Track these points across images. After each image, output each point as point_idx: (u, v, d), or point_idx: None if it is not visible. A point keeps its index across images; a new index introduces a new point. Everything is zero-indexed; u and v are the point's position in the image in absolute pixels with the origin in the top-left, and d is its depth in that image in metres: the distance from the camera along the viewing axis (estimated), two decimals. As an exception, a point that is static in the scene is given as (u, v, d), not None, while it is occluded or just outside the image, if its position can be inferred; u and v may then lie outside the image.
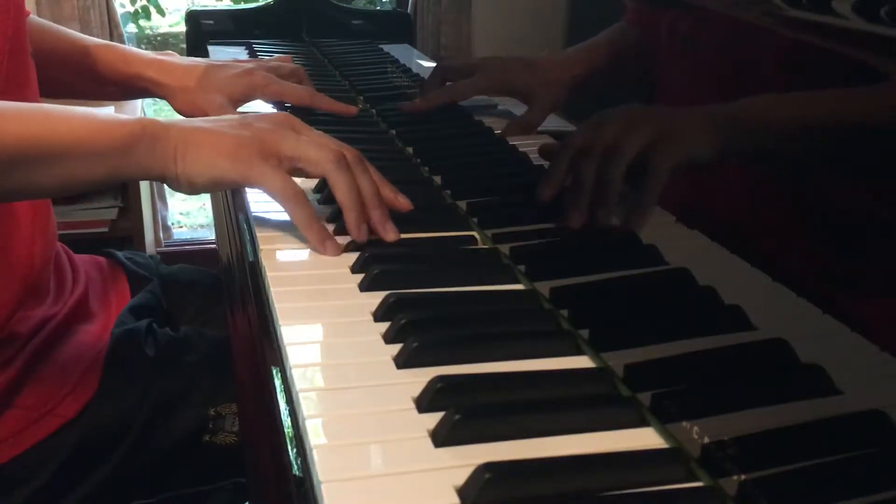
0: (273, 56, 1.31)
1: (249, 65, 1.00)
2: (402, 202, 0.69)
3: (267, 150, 0.66)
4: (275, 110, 0.73)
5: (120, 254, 1.03)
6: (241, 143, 0.66)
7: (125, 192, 2.15)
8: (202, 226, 3.03)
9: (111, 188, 2.15)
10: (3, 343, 0.78)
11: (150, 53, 1.00)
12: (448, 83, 1.01)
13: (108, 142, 0.65)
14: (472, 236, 0.69)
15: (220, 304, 1.01)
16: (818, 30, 0.50)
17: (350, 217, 0.66)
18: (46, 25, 0.97)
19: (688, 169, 0.67)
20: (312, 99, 0.96)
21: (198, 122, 0.69)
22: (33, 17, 0.90)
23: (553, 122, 0.93)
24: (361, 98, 1.10)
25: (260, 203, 0.74)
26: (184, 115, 0.97)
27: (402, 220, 0.68)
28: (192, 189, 0.67)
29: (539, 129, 0.94)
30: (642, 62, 0.79)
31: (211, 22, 1.49)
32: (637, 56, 0.80)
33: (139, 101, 2.19)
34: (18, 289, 0.81)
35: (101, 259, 1.01)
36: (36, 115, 0.66)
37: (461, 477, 0.40)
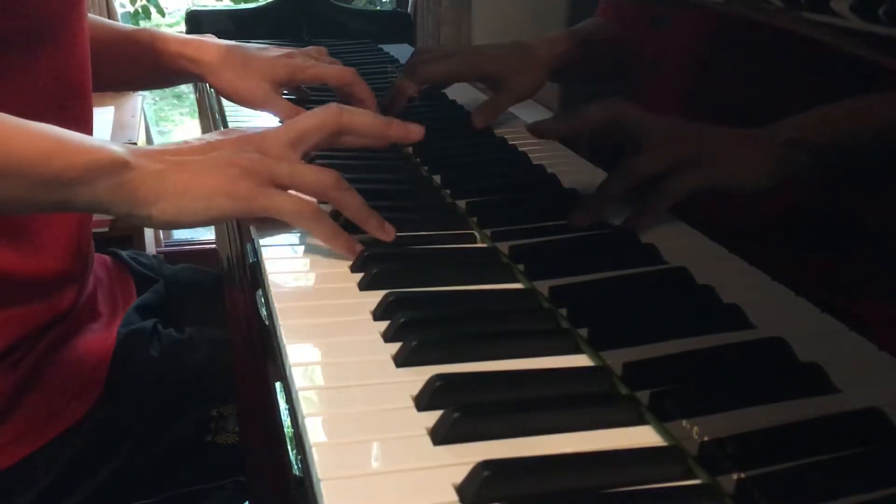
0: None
1: (290, 50, 0.98)
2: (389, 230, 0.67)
3: (262, 179, 0.63)
4: (246, 133, 0.68)
5: (124, 253, 1.04)
6: (233, 177, 0.62)
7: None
8: (202, 226, 3.03)
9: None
10: (14, 345, 0.78)
11: (184, 35, 0.99)
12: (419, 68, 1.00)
13: (61, 168, 0.59)
14: (472, 234, 0.70)
15: (221, 304, 1.01)
16: (816, 29, 0.50)
17: (372, 225, 0.65)
18: (89, 18, 0.97)
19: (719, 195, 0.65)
20: (353, 79, 0.92)
21: (170, 157, 0.63)
22: None
23: (537, 114, 0.93)
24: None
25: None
26: (224, 96, 0.95)
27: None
28: (173, 227, 0.64)
29: (533, 126, 0.93)
30: (619, 57, 0.79)
31: (211, 22, 1.49)
32: (612, 50, 0.80)
33: (139, 101, 2.19)
34: (60, 301, 0.81)
35: (107, 258, 1.01)
36: None
37: (460, 475, 0.40)
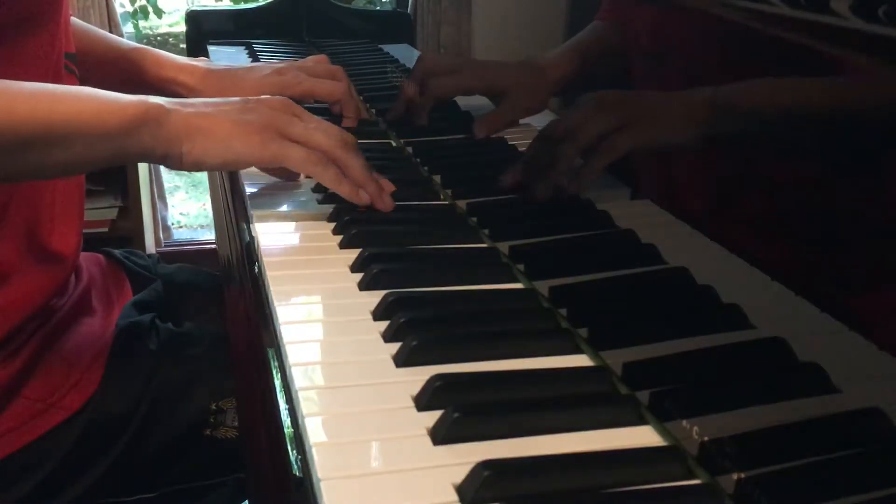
0: (275, 56, 1.32)
1: (281, 65, 0.99)
2: (387, 201, 0.72)
3: (276, 131, 0.69)
4: (277, 97, 0.74)
5: (117, 252, 1.04)
6: (251, 126, 0.68)
7: (125, 192, 2.15)
8: (202, 226, 3.04)
9: (112, 188, 2.16)
10: (10, 335, 0.78)
11: (181, 58, 1.00)
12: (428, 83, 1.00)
13: (114, 123, 0.66)
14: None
15: (219, 305, 1.01)
16: (815, 29, 0.50)
17: (371, 189, 0.70)
18: (86, 28, 0.98)
19: (661, 153, 0.73)
20: (343, 96, 0.94)
21: (200, 105, 0.70)
22: (74, 19, 0.91)
23: (542, 118, 0.93)
24: (362, 98, 1.10)
25: (259, 202, 0.75)
26: None
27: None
28: (197, 169, 0.70)
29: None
30: (622, 61, 0.79)
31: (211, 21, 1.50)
32: (617, 55, 0.81)
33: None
34: (51, 283, 0.82)
35: (100, 256, 1.01)
36: (45, 95, 0.66)
37: (460, 475, 0.40)
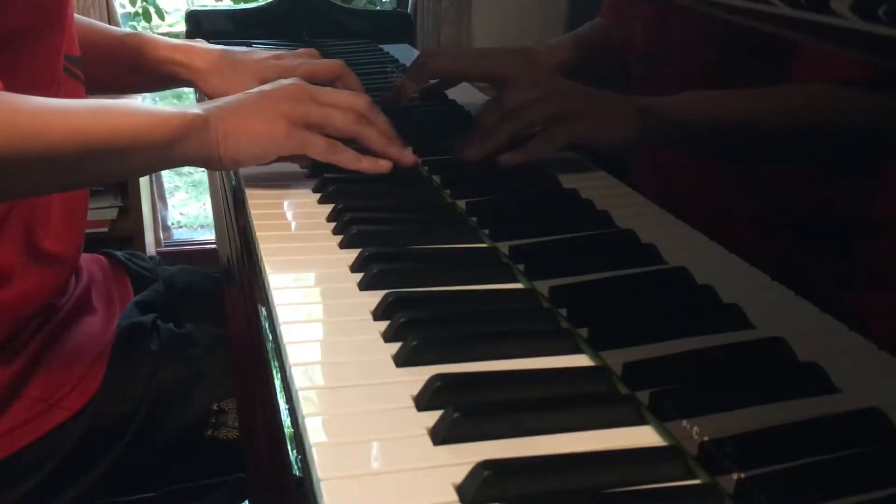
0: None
1: (277, 52, 1.00)
2: (409, 157, 0.78)
3: (297, 121, 0.74)
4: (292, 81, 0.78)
5: (119, 253, 1.04)
6: (272, 120, 0.73)
7: (125, 192, 2.15)
8: (202, 226, 3.04)
9: (112, 188, 2.16)
10: (11, 334, 0.78)
11: (175, 39, 1.00)
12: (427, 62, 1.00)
13: (164, 134, 0.70)
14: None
15: (220, 306, 1.01)
16: (815, 29, 0.50)
17: (393, 153, 0.76)
18: (87, 23, 0.98)
19: (598, 150, 0.78)
20: (343, 71, 0.95)
21: (226, 106, 0.74)
22: (76, 15, 0.91)
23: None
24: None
25: (259, 202, 0.75)
26: (212, 98, 0.97)
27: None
28: (235, 166, 0.76)
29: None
30: (621, 58, 0.80)
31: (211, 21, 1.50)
32: (616, 51, 0.81)
33: (139, 100, 2.19)
34: (51, 283, 0.83)
35: (101, 258, 1.01)
36: (102, 111, 0.69)
37: (460, 475, 0.40)
